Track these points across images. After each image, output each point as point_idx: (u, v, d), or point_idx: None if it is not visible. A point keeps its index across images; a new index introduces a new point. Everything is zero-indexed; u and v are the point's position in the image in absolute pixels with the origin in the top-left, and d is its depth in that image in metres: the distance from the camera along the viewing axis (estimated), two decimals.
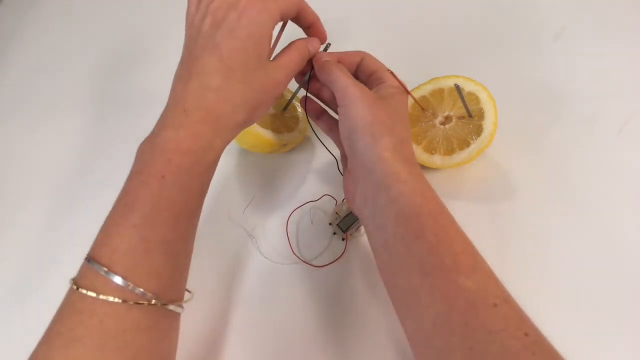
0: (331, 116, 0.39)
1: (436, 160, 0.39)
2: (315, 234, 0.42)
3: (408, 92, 0.36)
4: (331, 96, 0.37)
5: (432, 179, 0.42)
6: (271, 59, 0.34)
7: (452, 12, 0.52)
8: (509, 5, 0.51)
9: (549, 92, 0.44)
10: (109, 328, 0.26)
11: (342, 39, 0.41)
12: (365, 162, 0.32)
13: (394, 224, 0.30)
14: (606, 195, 0.38)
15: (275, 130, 0.42)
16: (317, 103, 0.40)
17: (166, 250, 0.28)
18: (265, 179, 0.46)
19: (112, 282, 0.26)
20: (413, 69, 0.42)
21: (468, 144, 0.38)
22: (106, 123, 0.54)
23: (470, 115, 0.39)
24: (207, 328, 0.38)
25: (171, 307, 0.28)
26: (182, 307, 0.30)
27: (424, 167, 0.42)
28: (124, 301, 0.26)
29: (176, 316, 0.30)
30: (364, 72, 0.37)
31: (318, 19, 0.37)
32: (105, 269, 0.26)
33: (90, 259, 0.27)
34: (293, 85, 0.40)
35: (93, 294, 0.26)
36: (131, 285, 0.26)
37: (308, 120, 0.41)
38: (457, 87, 0.37)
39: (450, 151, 0.39)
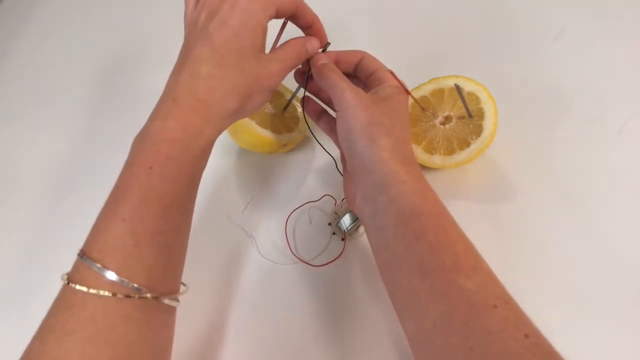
0: (331, 116, 0.39)
1: (436, 160, 0.39)
2: (314, 234, 0.42)
3: (408, 92, 0.36)
4: (330, 97, 0.37)
5: (432, 179, 0.42)
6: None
7: (453, 12, 0.52)
8: (509, 6, 0.51)
9: (549, 92, 0.44)
10: (100, 322, 0.26)
11: (342, 39, 0.41)
12: (364, 163, 0.32)
13: (394, 224, 0.29)
14: (606, 195, 0.38)
15: (275, 130, 0.42)
16: (317, 103, 0.40)
17: (157, 243, 0.28)
18: (264, 179, 0.46)
19: (104, 276, 0.26)
20: (413, 68, 0.42)
21: (468, 144, 0.38)
22: (106, 122, 0.54)
23: (470, 115, 0.39)
24: (206, 328, 0.38)
25: (165, 300, 0.28)
26: (178, 301, 0.30)
27: (424, 167, 0.41)
28: (114, 294, 0.26)
29: (171, 310, 0.30)
30: (364, 71, 0.37)
31: (318, 19, 0.36)
32: (98, 264, 0.26)
33: (82, 254, 0.27)
34: (293, 85, 0.40)
35: (84, 289, 0.26)
36: (121, 279, 0.26)
37: (306, 121, 0.41)
38: (457, 87, 0.37)
39: (450, 151, 0.39)
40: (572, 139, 0.42)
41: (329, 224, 0.42)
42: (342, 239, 0.40)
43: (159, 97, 0.31)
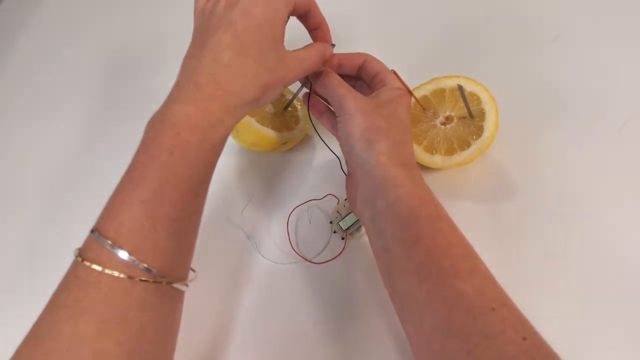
0: (334, 114, 0.39)
1: (437, 160, 0.39)
2: (315, 232, 0.42)
3: (410, 92, 0.36)
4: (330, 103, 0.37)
5: (433, 179, 0.42)
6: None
7: (453, 13, 0.52)
8: (509, 6, 0.51)
9: (550, 93, 0.44)
10: (114, 303, 0.26)
11: (343, 39, 0.41)
12: (363, 167, 0.32)
13: (393, 227, 0.30)
14: (606, 195, 0.38)
15: (276, 128, 0.42)
16: (320, 101, 0.40)
17: (172, 228, 0.28)
18: (264, 178, 0.46)
19: (118, 256, 0.26)
20: (414, 68, 0.42)
21: (469, 145, 0.38)
22: (112, 123, 0.54)
23: (471, 116, 0.39)
24: (207, 328, 0.38)
25: (176, 285, 0.28)
26: (187, 286, 0.30)
27: (424, 168, 0.41)
28: (130, 277, 0.26)
29: (180, 296, 0.30)
30: (367, 74, 0.37)
31: (325, 22, 0.37)
32: (110, 242, 0.26)
33: (95, 231, 0.27)
34: (293, 85, 0.40)
35: (99, 268, 0.26)
36: (137, 261, 0.26)
37: (311, 121, 0.41)
38: (460, 87, 0.37)
39: (451, 151, 0.39)
40: (572, 139, 0.42)
41: (330, 222, 0.42)
42: (343, 238, 0.40)
43: (160, 99, 0.31)
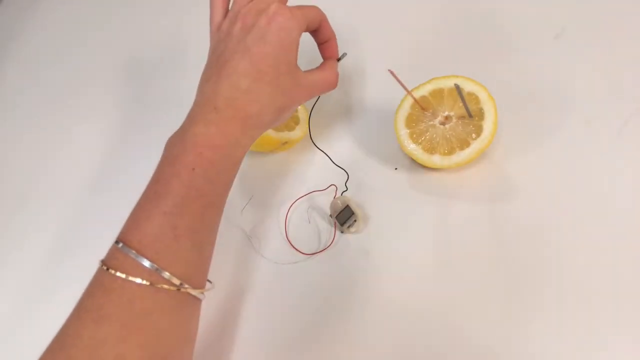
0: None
1: (436, 160, 0.39)
2: (312, 227, 0.42)
3: (408, 92, 0.36)
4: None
5: (432, 179, 0.42)
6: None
7: (452, 12, 0.52)
8: (509, 6, 0.50)
9: (549, 92, 0.44)
10: (136, 309, 0.27)
11: (342, 39, 0.41)
12: None
13: None
14: (606, 196, 0.38)
15: (276, 129, 0.42)
16: None
17: (193, 239, 0.29)
18: (264, 178, 0.46)
19: (142, 265, 0.27)
20: (413, 68, 0.42)
21: (468, 144, 0.38)
22: (114, 122, 0.54)
23: (470, 115, 0.39)
24: (207, 328, 0.38)
25: (195, 293, 0.30)
26: (204, 295, 0.31)
27: (424, 167, 0.42)
28: (152, 284, 0.27)
29: (198, 303, 0.31)
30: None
31: (335, 36, 0.38)
32: (138, 254, 0.27)
33: (120, 241, 0.28)
34: None
35: (123, 275, 0.27)
36: (160, 269, 0.27)
37: (309, 125, 0.41)
38: (457, 86, 0.37)
39: (450, 151, 0.39)
40: (572, 139, 0.41)
41: (330, 215, 0.42)
42: (342, 232, 0.41)
43: (182, 99, 0.33)
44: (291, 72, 0.34)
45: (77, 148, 0.54)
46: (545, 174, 0.40)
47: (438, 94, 0.41)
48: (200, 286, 0.31)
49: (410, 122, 0.41)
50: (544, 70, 0.46)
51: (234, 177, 0.33)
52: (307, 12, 0.35)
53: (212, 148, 0.30)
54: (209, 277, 0.33)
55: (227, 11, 0.36)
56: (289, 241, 0.41)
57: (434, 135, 0.40)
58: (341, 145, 0.45)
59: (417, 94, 0.41)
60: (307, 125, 0.45)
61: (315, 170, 0.45)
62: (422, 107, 0.41)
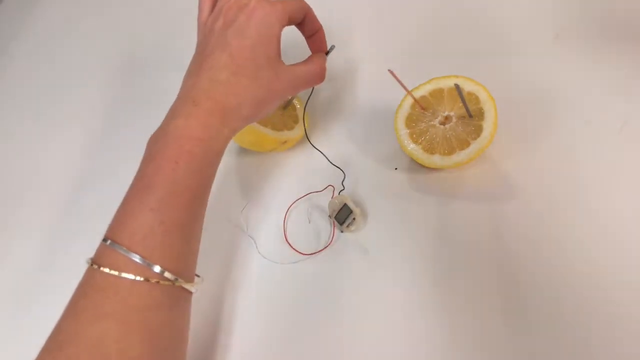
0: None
1: (436, 160, 0.39)
2: (311, 227, 0.42)
3: (408, 92, 0.36)
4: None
5: (432, 179, 0.42)
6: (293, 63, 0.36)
7: (452, 12, 0.52)
8: (509, 6, 0.50)
9: (549, 92, 0.44)
10: (132, 305, 0.27)
11: (342, 39, 0.41)
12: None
13: None
14: (606, 196, 0.38)
15: (275, 128, 0.43)
16: None
17: (181, 233, 0.30)
18: (264, 178, 0.46)
19: (134, 261, 0.27)
20: (413, 68, 0.42)
21: (468, 144, 0.38)
22: (110, 122, 0.54)
23: (470, 115, 0.39)
24: (207, 329, 0.38)
25: (187, 286, 0.30)
26: (196, 288, 0.31)
27: (424, 167, 0.42)
28: (146, 280, 0.27)
29: (189, 297, 0.32)
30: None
31: (322, 28, 0.38)
32: (130, 250, 0.27)
33: (109, 240, 0.28)
34: None
35: (115, 273, 0.27)
36: (152, 264, 0.28)
37: (304, 125, 0.41)
38: (457, 86, 0.37)
39: (450, 151, 0.39)
40: (572, 139, 0.41)
41: (330, 215, 0.42)
42: (341, 231, 0.41)
43: (175, 97, 0.33)
44: (271, 65, 0.34)
45: (69, 147, 0.54)
46: (545, 174, 0.40)
47: (438, 94, 0.41)
48: (190, 279, 0.31)
49: (410, 122, 0.41)
50: (544, 70, 0.46)
51: (216, 170, 0.33)
52: (289, 5, 0.34)
53: (193, 141, 0.30)
54: (209, 276, 0.33)
55: (213, 8, 0.36)
56: (287, 242, 0.41)
57: (434, 135, 0.40)
58: (341, 145, 0.45)
59: (417, 94, 0.41)
60: (304, 125, 0.45)
61: (314, 169, 0.45)
62: (422, 107, 0.41)
